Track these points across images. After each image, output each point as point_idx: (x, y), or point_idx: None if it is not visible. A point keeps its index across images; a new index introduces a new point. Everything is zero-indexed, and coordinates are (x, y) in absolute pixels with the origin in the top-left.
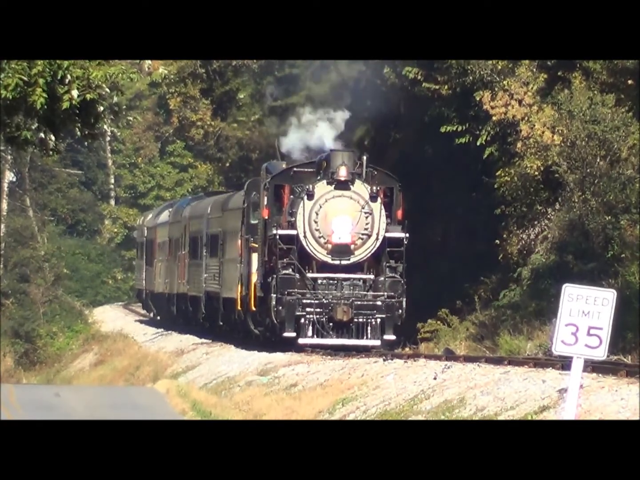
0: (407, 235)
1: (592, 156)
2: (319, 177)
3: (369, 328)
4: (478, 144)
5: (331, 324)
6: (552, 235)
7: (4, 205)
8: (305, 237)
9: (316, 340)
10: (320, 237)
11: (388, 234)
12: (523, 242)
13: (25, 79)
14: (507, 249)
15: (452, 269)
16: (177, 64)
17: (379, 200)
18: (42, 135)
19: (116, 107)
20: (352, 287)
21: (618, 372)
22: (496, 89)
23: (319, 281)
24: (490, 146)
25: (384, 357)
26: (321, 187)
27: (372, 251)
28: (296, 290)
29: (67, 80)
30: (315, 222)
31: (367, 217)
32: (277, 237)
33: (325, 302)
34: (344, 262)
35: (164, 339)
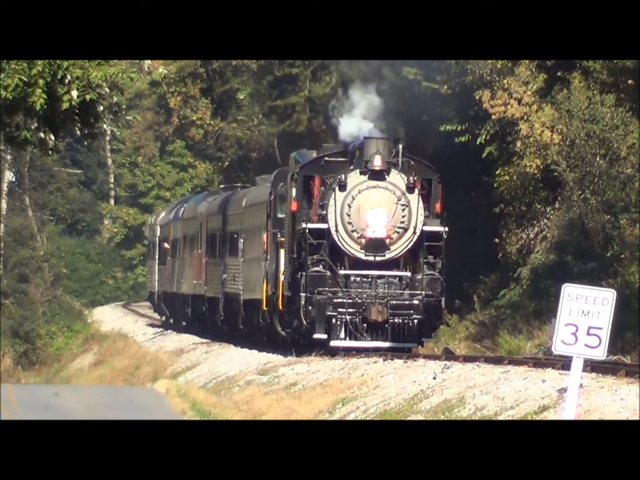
0: (447, 229)
1: (592, 155)
2: (351, 167)
3: (405, 329)
4: (477, 143)
5: (365, 325)
6: (552, 234)
7: (4, 205)
8: (337, 231)
9: (349, 343)
10: (353, 231)
11: (426, 228)
12: (522, 242)
13: (25, 79)
14: (507, 248)
15: (452, 268)
16: (177, 63)
17: (416, 191)
18: (41, 134)
19: (116, 107)
20: (387, 285)
21: (618, 372)
22: (495, 88)
23: (352, 279)
24: (489, 145)
25: (383, 357)
26: (354, 178)
27: (409, 246)
28: (327, 288)
29: (67, 81)
30: (348, 215)
31: (403, 210)
32: (307, 231)
33: (358, 301)
34: (378, 258)
35: (163, 338)
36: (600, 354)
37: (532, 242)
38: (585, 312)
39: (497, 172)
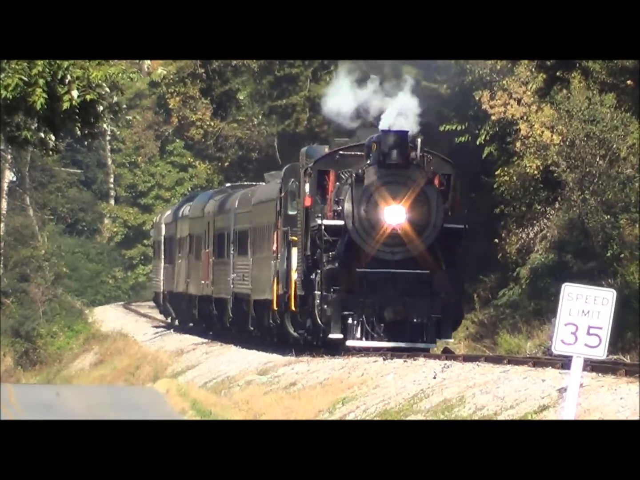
0: (467, 226)
1: (592, 155)
2: (368, 161)
3: (424, 329)
4: (477, 143)
5: (382, 324)
6: (552, 234)
7: (4, 205)
8: (353, 227)
9: (366, 343)
10: (370, 228)
11: (446, 225)
12: (522, 242)
13: (25, 79)
14: (507, 248)
15: None
16: (177, 63)
17: (436, 187)
18: (42, 135)
19: (116, 107)
20: (405, 284)
21: (617, 372)
22: (495, 88)
23: (369, 277)
24: (489, 145)
25: (383, 357)
26: (371, 172)
27: (428, 243)
28: (343, 287)
29: (67, 81)
30: (365, 211)
31: (422, 206)
32: (322, 227)
33: (375, 300)
34: (396, 256)
35: (163, 338)
36: (601, 353)
37: (532, 241)
38: (585, 311)
39: (497, 173)
